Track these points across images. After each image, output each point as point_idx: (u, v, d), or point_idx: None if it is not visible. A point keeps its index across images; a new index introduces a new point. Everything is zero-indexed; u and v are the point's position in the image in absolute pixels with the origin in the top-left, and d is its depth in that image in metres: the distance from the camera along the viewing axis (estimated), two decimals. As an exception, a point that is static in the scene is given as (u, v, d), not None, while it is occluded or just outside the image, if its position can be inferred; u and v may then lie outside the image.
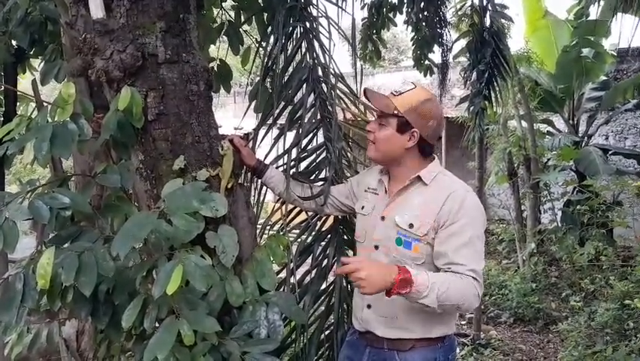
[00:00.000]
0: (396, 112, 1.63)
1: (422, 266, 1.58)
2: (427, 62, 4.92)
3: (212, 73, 1.86)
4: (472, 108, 4.29)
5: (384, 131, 1.66)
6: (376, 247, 1.68)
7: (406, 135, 1.63)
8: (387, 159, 1.70)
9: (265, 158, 2.24)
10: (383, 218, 1.68)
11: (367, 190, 1.80)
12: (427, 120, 1.63)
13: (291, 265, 2.06)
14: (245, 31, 2.94)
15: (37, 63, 2.79)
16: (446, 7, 4.44)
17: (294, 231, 2.33)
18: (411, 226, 1.59)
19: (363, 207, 1.79)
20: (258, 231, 2.00)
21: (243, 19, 2.86)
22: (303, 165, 2.26)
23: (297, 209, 2.22)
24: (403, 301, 1.59)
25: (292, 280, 2.06)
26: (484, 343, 4.51)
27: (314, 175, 2.30)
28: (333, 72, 2.35)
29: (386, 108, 1.65)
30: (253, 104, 2.36)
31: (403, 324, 1.62)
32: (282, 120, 2.30)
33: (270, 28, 2.43)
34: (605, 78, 6.98)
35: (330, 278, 2.22)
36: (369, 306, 1.69)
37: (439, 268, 1.57)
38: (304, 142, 2.25)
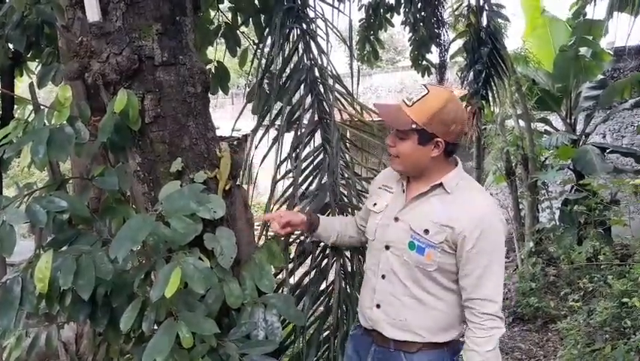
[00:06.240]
0: (414, 126, 1.49)
1: (433, 273, 1.55)
2: (424, 62, 4.93)
3: (210, 75, 1.86)
4: (469, 108, 4.30)
5: (404, 145, 1.54)
6: (387, 247, 1.63)
7: (430, 145, 1.52)
8: (414, 170, 1.61)
9: (263, 159, 2.25)
10: (397, 219, 1.62)
11: (381, 187, 1.74)
12: (450, 126, 1.50)
13: (290, 265, 2.06)
14: (242, 32, 2.95)
15: (34, 66, 2.79)
16: (443, 7, 4.45)
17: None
18: (426, 231, 1.53)
19: (375, 205, 1.72)
20: (257, 230, 2.00)
21: (240, 20, 2.87)
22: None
23: (296, 209, 2.21)
24: (413, 304, 1.59)
25: (291, 280, 2.06)
26: (484, 342, 4.50)
27: (312, 177, 2.30)
28: (330, 73, 2.35)
29: (403, 126, 1.51)
30: (250, 105, 2.36)
31: (411, 327, 1.59)
32: (279, 121, 2.30)
33: (267, 29, 2.44)
34: (602, 77, 6.99)
35: (330, 279, 2.21)
36: (378, 306, 1.66)
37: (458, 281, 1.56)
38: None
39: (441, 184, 1.56)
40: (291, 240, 2.15)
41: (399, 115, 1.53)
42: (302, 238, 2.21)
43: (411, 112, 1.51)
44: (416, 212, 1.59)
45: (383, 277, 1.65)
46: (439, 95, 1.51)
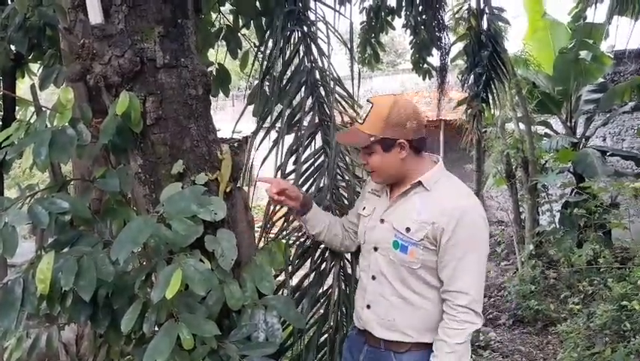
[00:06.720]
0: (373, 139, 1.60)
1: (418, 271, 1.59)
2: (425, 65, 4.94)
3: (211, 77, 1.86)
4: (469, 111, 4.31)
5: (374, 158, 1.64)
6: (375, 249, 1.70)
7: (395, 150, 1.60)
8: (393, 177, 1.68)
9: (264, 161, 2.25)
10: (382, 221, 1.69)
11: (371, 192, 1.81)
12: (404, 125, 1.58)
13: (290, 268, 2.07)
14: (243, 35, 2.96)
15: (35, 68, 2.80)
16: (444, 10, 4.46)
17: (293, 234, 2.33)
18: (407, 229, 1.59)
19: (364, 208, 1.80)
20: (257, 233, 2.00)
21: (241, 23, 2.88)
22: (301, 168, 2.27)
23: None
24: (400, 304, 1.63)
25: (291, 283, 2.07)
26: (483, 345, 4.51)
27: (312, 178, 2.30)
28: (331, 76, 2.36)
29: (363, 143, 1.62)
30: (251, 107, 2.37)
31: (399, 327, 1.64)
32: (280, 124, 2.31)
33: (268, 32, 2.44)
34: (602, 80, 6.99)
35: (329, 281, 2.22)
36: (368, 306, 1.71)
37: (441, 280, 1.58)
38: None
39: (420, 182, 1.63)
40: (291, 242, 2.16)
41: (357, 135, 1.65)
42: (302, 239, 2.22)
43: (365, 128, 1.62)
44: (399, 211, 1.66)
45: (373, 278, 1.70)
46: (382, 103, 1.62)
